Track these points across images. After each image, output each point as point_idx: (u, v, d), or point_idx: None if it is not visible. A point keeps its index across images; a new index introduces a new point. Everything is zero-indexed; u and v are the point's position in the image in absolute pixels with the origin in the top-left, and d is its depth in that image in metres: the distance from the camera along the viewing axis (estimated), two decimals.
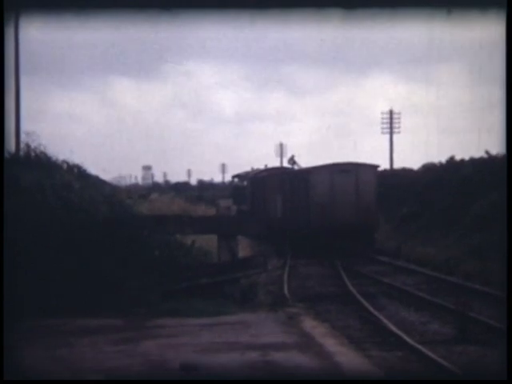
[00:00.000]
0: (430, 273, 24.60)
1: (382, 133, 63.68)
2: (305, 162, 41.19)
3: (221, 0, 10.29)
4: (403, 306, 18.16)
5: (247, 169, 48.54)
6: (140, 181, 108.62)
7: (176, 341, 12.40)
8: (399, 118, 63.82)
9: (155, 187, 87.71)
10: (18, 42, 20.43)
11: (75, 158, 21.17)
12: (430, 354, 12.09)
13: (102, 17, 10.68)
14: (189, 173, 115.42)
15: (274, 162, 68.00)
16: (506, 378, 9.19)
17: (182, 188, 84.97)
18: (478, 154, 37.51)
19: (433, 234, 32.48)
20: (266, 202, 38.58)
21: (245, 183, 45.02)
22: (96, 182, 22.66)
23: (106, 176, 25.13)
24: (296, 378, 9.78)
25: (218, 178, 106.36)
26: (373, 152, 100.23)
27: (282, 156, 74.33)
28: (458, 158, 41.26)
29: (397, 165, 58.88)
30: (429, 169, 44.13)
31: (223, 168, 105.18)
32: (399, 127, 63.59)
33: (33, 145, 19.44)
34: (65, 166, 20.58)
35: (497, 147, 31.43)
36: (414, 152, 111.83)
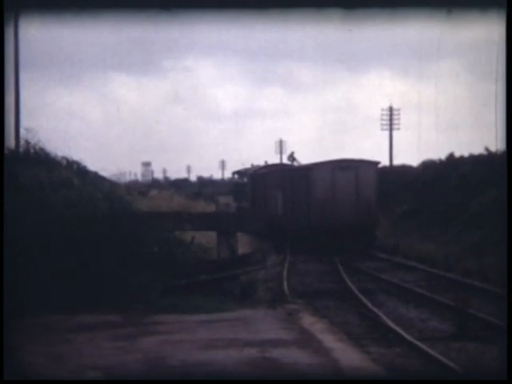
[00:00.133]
0: (429, 269, 24.60)
1: (382, 129, 63.70)
2: (305, 158, 41.20)
3: (221, 0, 10.29)
4: (402, 303, 18.18)
5: (247, 165, 48.50)
6: (139, 177, 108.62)
7: (175, 337, 12.41)
8: (399, 115, 63.82)
9: (154, 184, 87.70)
10: (18, 40, 20.42)
11: (74, 155, 21.20)
12: (428, 350, 12.11)
13: (101, 17, 10.68)
14: (188, 169, 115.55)
15: (274, 159, 68.04)
16: (506, 378, 9.21)
17: (181, 184, 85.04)
18: (478, 150, 37.60)
19: (432, 230, 32.48)
20: (266, 198, 38.55)
21: (245, 180, 44.96)
22: (95, 178, 22.65)
23: (106, 172, 25.07)
24: (295, 376, 9.78)
25: (217, 175, 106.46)
26: (372, 149, 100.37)
27: (281, 152, 74.39)
28: (457, 154, 41.35)
29: (396, 161, 58.91)
30: (428, 166, 44.12)
31: (223, 164, 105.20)
32: (399, 124, 63.62)
33: (32, 141, 19.47)
34: (64, 162, 20.59)
35: (497, 144, 31.50)
36: (413, 149, 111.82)
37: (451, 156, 41.75)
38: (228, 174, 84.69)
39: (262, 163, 46.82)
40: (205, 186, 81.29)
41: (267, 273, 22.12)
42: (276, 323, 13.77)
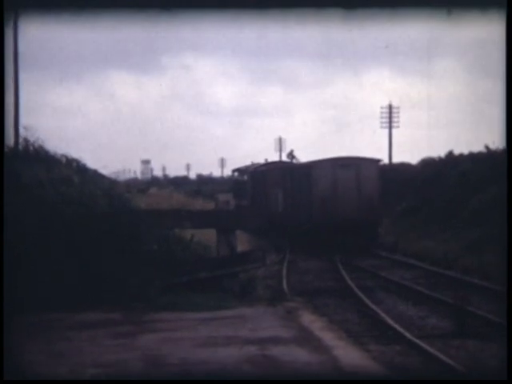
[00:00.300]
0: (428, 267, 24.63)
1: (381, 127, 63.70)
2: (304, 156, 41.24)
3: (221, 0, 10.30)
4: (401, 300, 18.20)
5: (246, 163, 48.46)
6: (139, 175, 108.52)
7: (175, 335, 12.44)
8: (398, 113, 63.82)
9: (154, 181, 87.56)
10: (17, 38, 20.41)
11: (74, 152, 21.18)
12: (428, 348, 12.13)
13: (101, 16, 10.69)
14: (188, 167, 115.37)
15: (273, 157, 67.97)
16: (506, 378, 9.23)
17: (180, 182, 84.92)
18: (477, 148, 37.61)
19: (431, 228, 32.49)
20: (266, 196, 38.58)
21: (245, 177, 44.97)
22: (95, 176, 22.63)
23: (105, 170, 25.05)
24: (295, 375, 9.79)
25: (216, 173, 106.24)
26: (372, 146, 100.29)
27: (281, 150, 74.34)
28: (456, 152, 41.33)
29: (396, 159, 58.91)
30: (428, 163, 44.12)
31: (222, 162, 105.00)
32: (398, 121, 63.61)
33: (31, 139, 19.45)
34: (64, 160, 20.57)
35: (496, 142, 31.55)
36: (412, 146, 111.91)
37: (451, 154, 41.74)
38: (227, 172, 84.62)
39: (261, 161, 46.85)
40: (204, 184, 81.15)
41: (267, 270, 22.16)
42: (275, 321, 13.79)
